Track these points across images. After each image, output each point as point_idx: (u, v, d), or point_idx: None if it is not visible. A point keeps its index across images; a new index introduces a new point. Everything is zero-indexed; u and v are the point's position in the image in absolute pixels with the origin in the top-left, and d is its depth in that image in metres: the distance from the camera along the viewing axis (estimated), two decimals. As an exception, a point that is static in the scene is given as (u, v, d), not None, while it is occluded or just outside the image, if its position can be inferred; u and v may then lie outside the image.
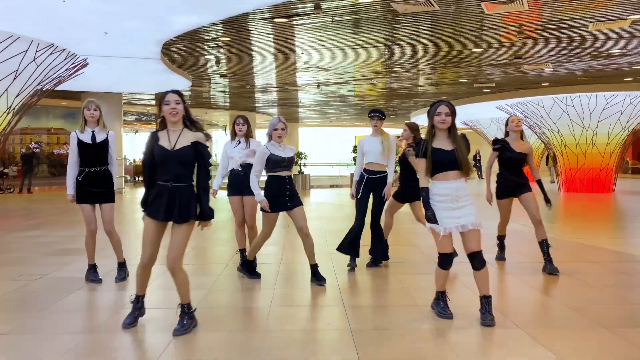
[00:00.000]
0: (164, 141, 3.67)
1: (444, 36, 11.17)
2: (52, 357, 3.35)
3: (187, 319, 3.77)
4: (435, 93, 20.36)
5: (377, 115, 5.78)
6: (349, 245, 5.76)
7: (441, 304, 4.08)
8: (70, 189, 5.19)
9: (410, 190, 5.87)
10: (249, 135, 5.75)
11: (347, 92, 20.30)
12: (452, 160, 3.87)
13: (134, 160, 30.33)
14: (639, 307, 4.50)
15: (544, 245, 5.56)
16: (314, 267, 5.16)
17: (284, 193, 4.98)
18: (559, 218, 11.13)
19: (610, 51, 12.16)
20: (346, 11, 9.10)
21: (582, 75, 15.68)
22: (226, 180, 5.90)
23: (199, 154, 3.70)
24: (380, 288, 5.18)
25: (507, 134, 5.78)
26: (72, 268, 6.07)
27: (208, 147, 3.84)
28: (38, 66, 10.07)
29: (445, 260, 3.97)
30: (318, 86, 17.86)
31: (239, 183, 5.64)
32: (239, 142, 5.71)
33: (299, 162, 19.70)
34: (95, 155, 5.12)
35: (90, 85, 16.16)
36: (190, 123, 3.75)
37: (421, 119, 30.08)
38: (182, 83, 15.75)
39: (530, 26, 10.08)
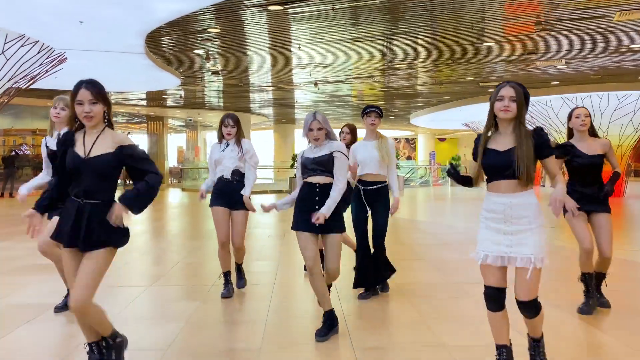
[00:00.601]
0: (79, 146, 2.80)
1: (453, 28, 10.31)
2: None
3: (114, 354, 2.92)
4: (437, 92, 19.55)
5: (375, 111, 4.68)
6: (363, 279, 4.77)
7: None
8: (23, 188, 4.26)
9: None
10: (240, 137, 4.76)
11: (345, 91, 19.47)
12: (505, 165, 2.80)
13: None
14: None
15: (599, 277, 4.33)
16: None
17: (312, 206, 3.70)
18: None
19: (632, 46, 11.34)
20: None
21: (595, 73, 14.89)
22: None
23: (129, 158, 2.83)
24: (394, 318, 4.26)
25: (570, 132, 4.33)
26: (30, 291, 5.17)
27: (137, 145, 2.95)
28: (8, 60, 9.15)
29: (487, 297, 2.88)
30: (315, 85, 17.00)
31: (227, 193, 4.69)
32: (227, 145, 4.74)
33: (295, 165, 18.89)
34: None
35: (75, 83, 15.23)
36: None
37: (421, 120, 29.31)
38: (171, 81, 14.89)
39: (550, 16, 9.22)
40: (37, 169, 22.61)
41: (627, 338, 3.68)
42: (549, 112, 18.41)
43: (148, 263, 6.92)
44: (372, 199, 4.67)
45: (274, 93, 19.85)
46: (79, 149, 2.79)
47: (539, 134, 2.86)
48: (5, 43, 8.78)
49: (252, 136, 30.23)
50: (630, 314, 4.27)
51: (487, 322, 2.94)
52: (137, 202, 2.80)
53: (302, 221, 3.71)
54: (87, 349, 2.94)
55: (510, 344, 2.92)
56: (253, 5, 8.37)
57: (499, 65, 14.00)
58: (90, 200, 2.74)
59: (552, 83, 16.72)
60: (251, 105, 24.00)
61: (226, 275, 4.84)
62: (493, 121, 2.92)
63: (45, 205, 2.85)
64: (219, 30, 10.02)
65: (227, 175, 4.68)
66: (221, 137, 4.77)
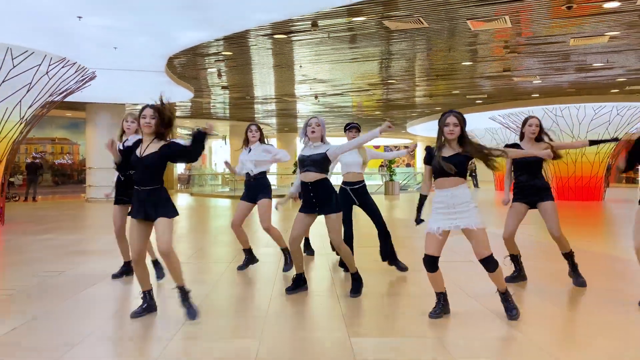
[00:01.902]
0: (138, 149, 4.20)
1: (435, 50, 11.76)
2: (75, 339, 3.77)
3: (188, 303, 4.22)
4: (430, 104, 20.95)
5: (355, 126, 5.85)
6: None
7: (436, 306, 4.26)
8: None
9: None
10: (262, 140, 5.99)
11: (344, 103, 20.89)
12: (443, 168, 4.09)
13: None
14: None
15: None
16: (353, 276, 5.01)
17: (310, 200, 4.79)
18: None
19: (594, 64, 12.76)
20: (342, 28, 9.68)
21: (569, 87, 16.30)
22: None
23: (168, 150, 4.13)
24: (370, 278, 5.63)
25: (522, 135, 5.27)
26: (87, 266, 6.55)
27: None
28: (50, 79, 10.62)
29: (425, 262, 4.18)
30: (316, 97, 18.46)
31: (251, 189, 5.96)
32: (250, 150, 5.93)
33: (296, 170, 20.20)
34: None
35: (95, 96, 16.64)
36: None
37: (417, 129, 30.74)
38: (184, 94, 16.33)
39: (515, 41, 10.67)
40: (56, 176, 24.14)
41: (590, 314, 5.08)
42: (532, 121, 19.83)
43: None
44: (359, 195, 5.74)
45: (277, 104, 21.28)
46: (138, 151, 4.18)
47: (475, 147, 4.13)
48: (49, 65, 10.26)
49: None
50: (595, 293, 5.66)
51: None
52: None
53: (302, 207, 4.90)
54: (142, 295, 4.34)
55: (445, 291, 4.33)
56: (261, 35, 9.87)
57: (482, 80, 15.42)
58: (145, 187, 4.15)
59: (533, 95, 18.14)
60: (256, 116, 25.42)
61: (248, 251, 6.11)
62: (442, 137, 4.12)
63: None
64: (230, 54, 11.52)
65: (249, 171, 5.92)
66: (246, 142, 6.00)
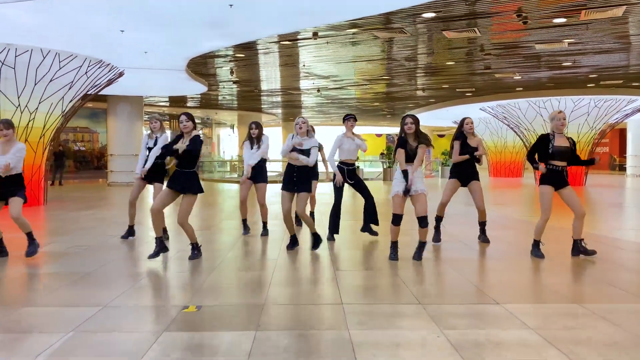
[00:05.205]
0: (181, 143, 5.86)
1: (420, 52, 13.41)
2: (144, 266, 5.63)
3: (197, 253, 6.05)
4: (424, 96, 22.55)
5: (353, 116, 7.26)
6: (334, 225, 7.37)
7: (392, 251, 6.01)
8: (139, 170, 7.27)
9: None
10: (260, 135, 7.54)
11: (344, 95, 22.53)
12: (412, 154, 5.77)
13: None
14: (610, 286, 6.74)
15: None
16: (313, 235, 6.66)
17: (292, 178, 6.27)
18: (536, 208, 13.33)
19: (563, 64, 14.36)
20: (339, 36, 11.35)
21: (548, 82, 17.87)
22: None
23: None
24: (356, 233, 7.39)
25: (461, 133, 6.94)
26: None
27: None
28: (88, 78, 12.36)
29: (394, 218, 5.89)
30: (318, 90, 20.11)
31: (253, 174, 7.51)
32: (252, 144, 7.52)
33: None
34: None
35: (116, 89, 18.29)
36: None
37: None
38: (199, 88, 18.04)
39: (489, 45, 12.30)
40: (77, 162, 26.02)
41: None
42: (518, 113, 21.46)
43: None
44: (352, 174, 7.27)
45: (282, 97, 22.98)
46: (181, 145, 5.88)
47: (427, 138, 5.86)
48: (88, 67, 11.99)
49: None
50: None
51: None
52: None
53: (285, 185, 6.36)
54: (191, 247, 6.13)
55: (397, 241, 6.07)
56: (269, 42, 11.55)
57: (467, 76, 17.02)
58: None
59: (517, 89, 19.73)
60: (263, 106, 27.13)
61: (244, 221, 7.90)
62: (402, 133, 5.86)
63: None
64: (242, 56, 13.20)
65: (253, 162, 7.50)
66: (250, 137, 7.59)
